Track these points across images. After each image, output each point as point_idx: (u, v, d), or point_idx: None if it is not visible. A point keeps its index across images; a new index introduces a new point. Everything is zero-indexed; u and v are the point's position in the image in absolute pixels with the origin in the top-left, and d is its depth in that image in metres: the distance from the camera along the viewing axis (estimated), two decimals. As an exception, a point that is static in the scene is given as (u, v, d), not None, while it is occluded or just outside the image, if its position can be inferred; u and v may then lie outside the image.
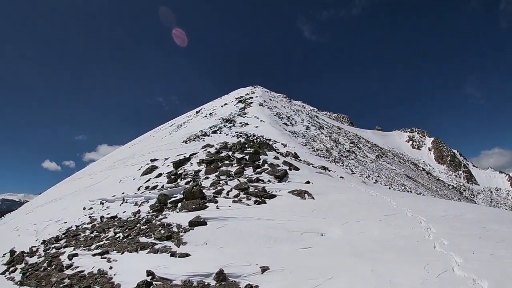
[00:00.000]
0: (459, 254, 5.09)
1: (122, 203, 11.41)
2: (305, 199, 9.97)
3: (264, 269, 5.09)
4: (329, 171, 20.66)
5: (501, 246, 5.51)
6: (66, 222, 10.91)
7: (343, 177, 19.84)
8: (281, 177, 12.30)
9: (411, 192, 30.94)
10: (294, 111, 52.60)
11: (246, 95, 53.74)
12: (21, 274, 7.19)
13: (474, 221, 7.41)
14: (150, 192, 11.54)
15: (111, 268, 5.89)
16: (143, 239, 7.32)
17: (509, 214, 9.07)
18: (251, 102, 45.98)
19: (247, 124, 32.59)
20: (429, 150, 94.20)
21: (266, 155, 15.63)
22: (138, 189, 12.90)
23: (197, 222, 7.62)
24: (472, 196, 72.70)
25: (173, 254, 6.17)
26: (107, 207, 11.53)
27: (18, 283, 6.77)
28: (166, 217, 8.59)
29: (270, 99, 53.59)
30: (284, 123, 38.96)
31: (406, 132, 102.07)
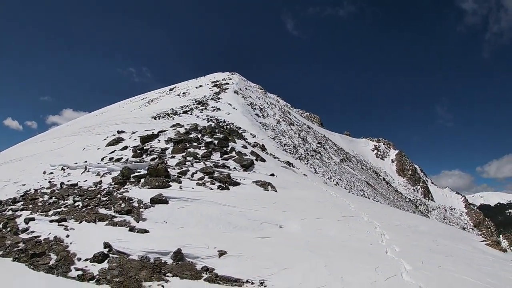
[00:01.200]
0: (409, 261, 5.39)
1: (84, 172, 11.16)
2: (268, 190, 10.15)
3: (221, 253, 5.21)
4: (294, 167, 21.00)
5: (449, 260, 5.87)
6: (24, 185, 10.57)
7: (306, 175, 20.22)
8: (247, 166, 12.43)
9: (369, 198, 31.89)
10: (267, 103, 52.75)
11: (222, 80, 53.31)
12: (-27, 234, 6.97)
13: (427, 234, 7.82)
14: (113, 164, 11.34)
15: (67, 236, 5.81)
16: (102, 211, 7.24)
17: (459, 233, 9.63)
18: (227, 88, 45.70)
19: (219, 109, 32.44)
20: (392, 161, 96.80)
21: (235, 142, 15.72)
22: (102, 159, 12.65)
23: (158, 200, 7.63)
24: (426, 211, 75.56)
25: (131, 229, 6.18)
26: (68, 173, 11.25)
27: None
28: (128, 191, 8.52)
29: (246, 88, 53.44)
30: (256, 114, 39.05)
31: (373, 141, 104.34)
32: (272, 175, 12.29)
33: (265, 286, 4.49)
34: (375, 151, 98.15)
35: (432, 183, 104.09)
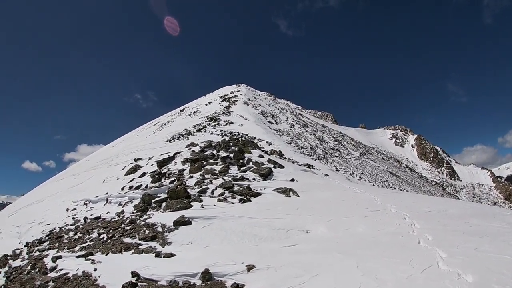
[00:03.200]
0: (443, 249, 5.18)
1: (105, 204, 11.28)
2: (290, 196, 10.03)
3: (250, 268, 5.10)
4: (314, 168, 20.78)
5: (484, 240, 5.62)
6: (49, 224, 10.75)
7: (327, 175, 19.97)
8: (266, 175, 12.35)
9: (394, 188, 31.32)
10: (278, 109, 52.71)
11: (230, 93, 53.67)
12: (4, 278, 7.05)
13: (458, 216, 7.53)
14: (134, 192, 11.43)
15: (95, 270, 5.83)
16: (127, 240, 7.26)
17: (491, 209, 9.27)
18: (236, 101, 45.94)
19: (231, 122, 32.55)
20: (412, 147, 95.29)
21: (251, 153, 15.65)
22: (122, 189, 12.77)
23: (182, 222, 7.60)
24: (455, 192, 73.89)
25: (158, 255, 6.14)
26: (90, 207, 11.39)
27: (2, 286, 6.65)
28: (151, 217, 8.53)
29: (255, 98, 53.59)
30: (269, 122, 39.03)
31: (390, 129, 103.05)
32: (293, 180, 12.16)
33: (297, 296, 4.37)
34: (394, 139, 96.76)
35: (456, 162, 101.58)
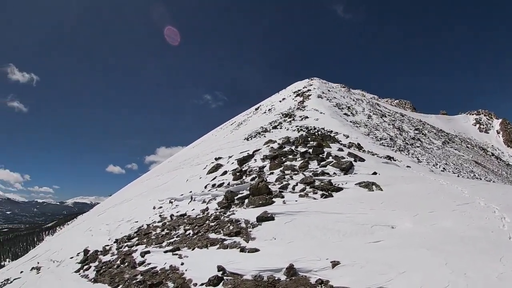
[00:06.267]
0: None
1: (190, 201, 11.71)
2: (373, 191, 9.57)
3: (334, 264, 4.91)
4: (395, 160, 19.82)
5: None
6: (137, 222, 11.42)
7: (409, 166, 18.91)
8: (347, 169, 11.94)
9: (480, 179, 28.86)
10: (354, 100, 51.27)
11: (303, 88, 53.26)
12: (95, 272, 7.59)
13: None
14: (216, 190, 11.74)
15: (182, 264, 6.02)
16: (212, 235, 7.42)
17: None
18: (310, 95, 45.46)
19: (307, 117, 32.21)
20: (498, 132, 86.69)
21: (330, 147, 15.29)
22: (205, 187, 13.18)
23: (264, 218, 7.58)
24: (546, 182, 66.10)
25: (242, 250, 6.16)
26: (176, 205, 11.90)
27: (92, 280, 7.15)
28: (234, 213, 8.65)
29: (329, 90, 52.67)
30: (345, 114, 38.08)
31: (472, 114, 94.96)
32: (375, 173, 11.61)
33: (384, 294, 4.10)
34: (477, 125, 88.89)
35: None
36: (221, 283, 5.04)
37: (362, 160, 13.83)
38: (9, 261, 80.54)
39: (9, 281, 10.23)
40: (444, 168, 27.48)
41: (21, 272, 10.58)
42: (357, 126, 33.06)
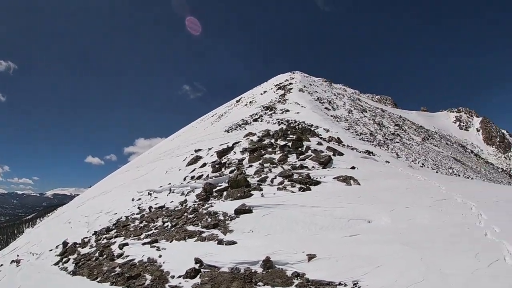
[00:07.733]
0: (511, 242, 4.78)
1: (169, 193, 11.68)
2: (350, 185, 9.73)
3: (311, 257, 5.00)
4: (374, 155, 20.12)
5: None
6: (116, 213, 11.35)
7: (388, 162, 19.24)
8: (326, 163, 12.08)
9: (459, 175, 29.60)
10: (335, 94, 51.68)
11: (285, 81, 53.29)
12: (73, 264, 7.54)
13: (528, 207, 6.95)
14: (195, 182, 11.72)
15: (160, 256, 6.05)
16: (190, 228, 7.45)
17: None
18: (291, 88, 45.58)
19: (288, 110, 32.36)
20: (477, 130, 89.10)
21: (309, 141, 15.42)
22: (184, 179, 13.13)
23: (242, 210, 7.65)
24: (524, 180, 68.27)
25: (220, 242, 6.22)
26: (155, 197, 11.86)
27: (71, 272, 7.10)
28: (212, 206, 8.69)
29: (310, 84, 52.88)
30: (326, 108, 38.37)
31: (453, 112, 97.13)
32: (353, 168, 11.79)
33: (359, 287, 4.21)
34: (458, 123, 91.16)
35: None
36: (198, 275, 5.09)
37: (341, 154, 13.99)
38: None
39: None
40: (423, 164, 28.08)
41: (1, 265, 10.40)
42: (337, 121, 33.39)
